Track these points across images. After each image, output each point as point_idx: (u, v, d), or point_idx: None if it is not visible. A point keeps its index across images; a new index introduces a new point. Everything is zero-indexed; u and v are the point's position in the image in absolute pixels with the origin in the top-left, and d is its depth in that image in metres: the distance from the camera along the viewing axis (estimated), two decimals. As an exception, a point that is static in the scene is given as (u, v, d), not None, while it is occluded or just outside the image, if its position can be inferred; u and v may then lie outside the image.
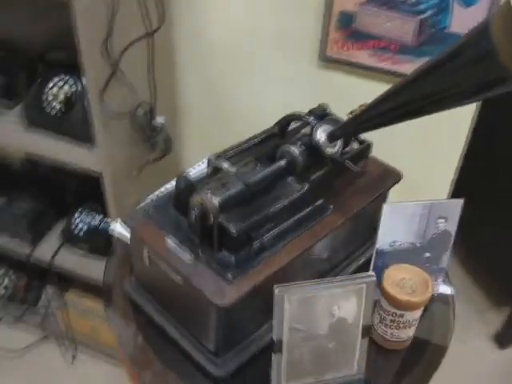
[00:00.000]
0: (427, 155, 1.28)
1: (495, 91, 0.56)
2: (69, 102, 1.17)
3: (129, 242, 0.86)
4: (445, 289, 0.94)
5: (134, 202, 0.85)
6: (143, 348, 0.83)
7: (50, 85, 1.19)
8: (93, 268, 1.40)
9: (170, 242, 0.71)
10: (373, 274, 0.68)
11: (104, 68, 1.04)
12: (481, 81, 0.54)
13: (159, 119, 1.22)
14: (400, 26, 1.08)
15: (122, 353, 0.84)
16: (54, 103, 1.18)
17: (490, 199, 2.00)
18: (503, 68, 0.49)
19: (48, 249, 1.44)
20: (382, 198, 0.90)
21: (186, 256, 0.70)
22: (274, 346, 0.68)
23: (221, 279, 0.68)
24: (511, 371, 1.71)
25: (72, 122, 1.18)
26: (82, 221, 1.42)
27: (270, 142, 0.84)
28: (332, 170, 0.82)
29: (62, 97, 1.17)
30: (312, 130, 0.78)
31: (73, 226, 1.42)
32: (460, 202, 0.81)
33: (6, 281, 1.66)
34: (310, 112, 0.84)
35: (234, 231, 0.68)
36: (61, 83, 1.18)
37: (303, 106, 0.85)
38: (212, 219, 0.68)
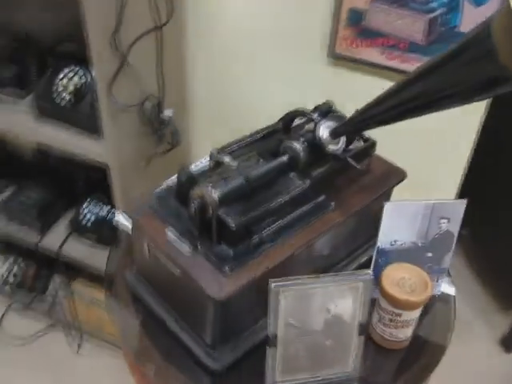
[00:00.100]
0: (436, 154, 1.27)
1: (496, 91, 0.56)
2: (78, 94, 1.18)
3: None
4: (447, 289, 0.93)
5: (140, 194, 0.85)
6: (143, 339, 0.84)
7: (61, 76, 1.20)
8: (99, 258, 1.41)
9: (170, 234, 0.72)
10: (369, 271, 0.68)
11: (112, 61, 1.05)
12: (481, 80, 0.54)
13: (167, 112, 1.22)
14: (410, 25, 1.07)
15: (123, 344, 0.85)
16: (64, 94, 1.19)
17: (502, 199, 1.97)
18: (503, 68, 0.49)
19: (56, 238, 1.46)
20: (386, 196, 0.90)
21: (185, 248, 0.70)
22: (268, 340, 0.68)
23: (218, 272, 0.68)
24: (517, 375, 1.69)
25: (81, 114, 1.19)
26: (90, 211, 1.44)
27: (274, 138, 0.84)
28: (335, 167, 0.82)
29: (71, 88, 1.18)
30: (315, 126, 0.78)
31: (81, 217, 1.44)
32: (463, 202, 0.81)
33: (16, 269, 1.68)
34: (316, 108, 0.84)
35: (233, 225, 0.68)
36: (71, 74, 1.19)
37: (311, 103, 0.85)
38: (211, 212, 0.68)
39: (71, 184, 1.54)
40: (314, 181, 0.79)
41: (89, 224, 1.43)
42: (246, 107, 1.41)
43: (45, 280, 1.71)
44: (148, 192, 0.80)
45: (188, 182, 0.73)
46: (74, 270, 1.58)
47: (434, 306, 0.90)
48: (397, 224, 0.80)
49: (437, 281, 0.88)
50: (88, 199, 1.45)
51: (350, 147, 0.83)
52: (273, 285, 0.64)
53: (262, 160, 0.79)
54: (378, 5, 1.08)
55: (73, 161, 1.28)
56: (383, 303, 0.77)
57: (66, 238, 1.45)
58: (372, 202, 0.84)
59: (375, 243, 0.81)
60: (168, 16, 1.11)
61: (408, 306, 0.75)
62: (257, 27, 1.28)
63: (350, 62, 1.19)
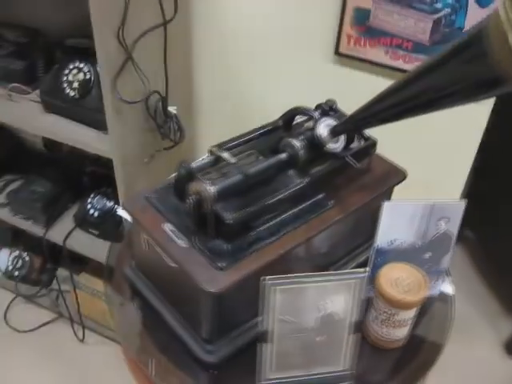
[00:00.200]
0: (441, 154, 1.26)
1: (495, 92, 0.56)
2: (84, 89, 1.20)
3: (132, 227, 0.87)
4: (446, 289, 0.93)
5: (141, 189, 0.86)
6: (141, 333, 0.84)
7: (67, 71, 1.21)
8: (104, 252, 1.41)
9: (167, 228, 0.73)
10: (363, 270, 0.68)
11: (118, 56, 1.06)
12: (478, 80, 0.54)
13: (172, 108, 1.23)
14: (415, 25, 1.07)
15: (121, 337, 0.86)
16: (70, 89, 1.20)
17: (503, 198, 1.96)
18: (497, 69, 0.49)
19: (61, 231, 1.47)
20: (386, 196, 0.90)
21: (182, 242, 0.71)
22: (260, 336, 0.68)
23: (213, 267, 0.69)
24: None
25: (86, 109, 1.20)
26: (95, 205, 1.45)
27: (274, 135, 0.84)
28: (334, 166, 0.82)
29: (77, 83, 1.20)
30: (314, 124, 0.78)
31: (86, 210, 1.45)
32: (462, 203, 0.80)
33: (21, 262, 1.70)
34: (317, 107, 0.85)
35: (230, 220, 0.69)
36: (77, 70, 1.20)
37: (315, 102, 0.85)
38: (208, 207, 0.69)
39: (77, 178, 1.55)
40: (313, 179, 0.79)
41: (93, 218, 1.44)
42: (251, 105, 1.41)
43: (50, 273, 1.74)
44: (148, 187, 0.81)
45: (186, 177, 0.73)
46: (78, 264, 1.60)
47: (432, 305, 0.90)
48: (395, 223, 0.79)
49: (436, 281, 0.88)
50: (93, 194, 1.46)
51: (351, 146, 0.83)
52: (265, 280, 0.65)
53: (261, 157, 0.80)
54: (383, 4, 1.08)
55: (79, 155, 1.29)
56: (379, 302, 0.77)
57: (71, 231, 1.46)
58: (371, 201, 0.84)
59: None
60: (174, 12, 1.11)
61: (404, 305, 0.75)
62: (262, 26, 1.28)
63: (355, 61, 1.18)
